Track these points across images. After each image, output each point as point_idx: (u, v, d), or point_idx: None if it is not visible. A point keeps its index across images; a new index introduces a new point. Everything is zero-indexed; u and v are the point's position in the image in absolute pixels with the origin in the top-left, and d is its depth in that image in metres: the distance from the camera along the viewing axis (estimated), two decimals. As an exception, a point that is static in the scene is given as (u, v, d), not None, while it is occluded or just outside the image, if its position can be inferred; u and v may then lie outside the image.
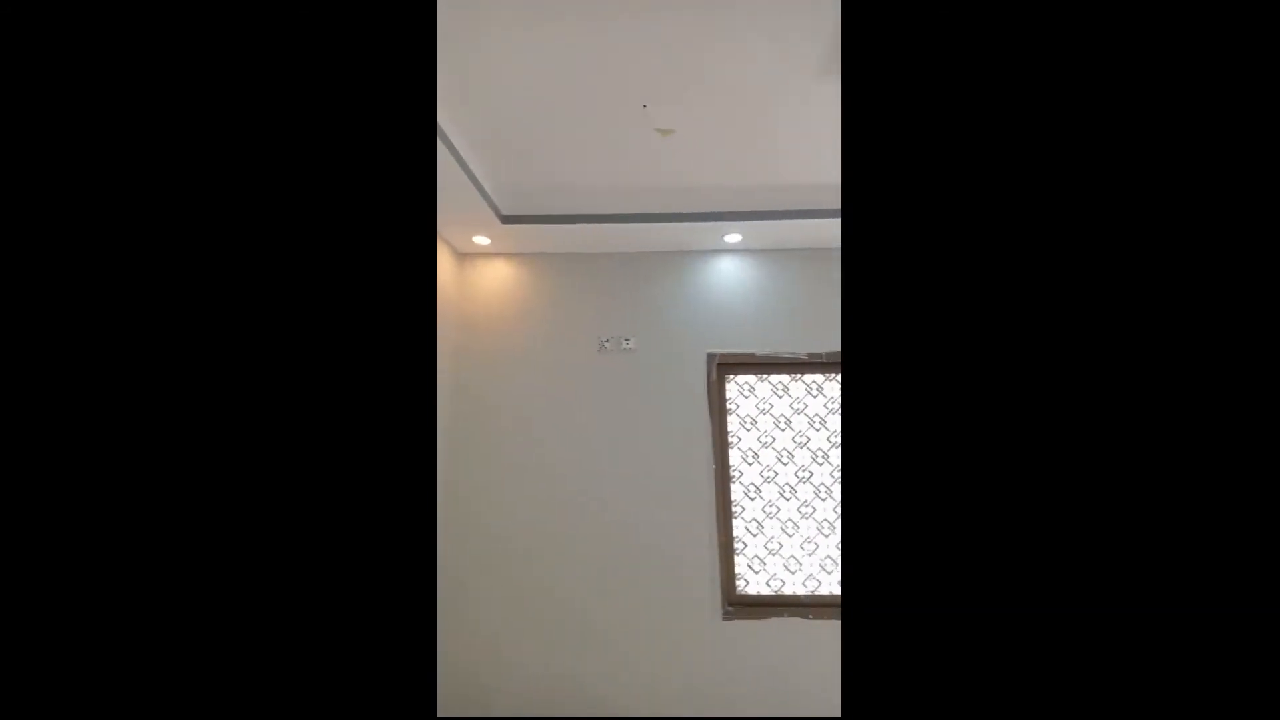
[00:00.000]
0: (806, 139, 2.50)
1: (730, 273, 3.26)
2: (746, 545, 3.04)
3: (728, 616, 2.93)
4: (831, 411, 3.14)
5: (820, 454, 3.10)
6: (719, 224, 3.01)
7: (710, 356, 3.16)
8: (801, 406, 3.15)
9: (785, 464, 3.10)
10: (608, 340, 3.20)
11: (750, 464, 3.11)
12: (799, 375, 3.17)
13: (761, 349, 3.16)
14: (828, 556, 3.01)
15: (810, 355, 3.14)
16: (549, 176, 2.77)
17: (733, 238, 3.13)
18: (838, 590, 2.97)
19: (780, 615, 2.93)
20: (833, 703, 2.84)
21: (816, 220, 2.95)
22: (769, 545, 3.03)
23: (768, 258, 3.26)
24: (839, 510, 3.05)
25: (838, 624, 2.89)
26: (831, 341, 3.15)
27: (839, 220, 2.94)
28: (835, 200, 2.91)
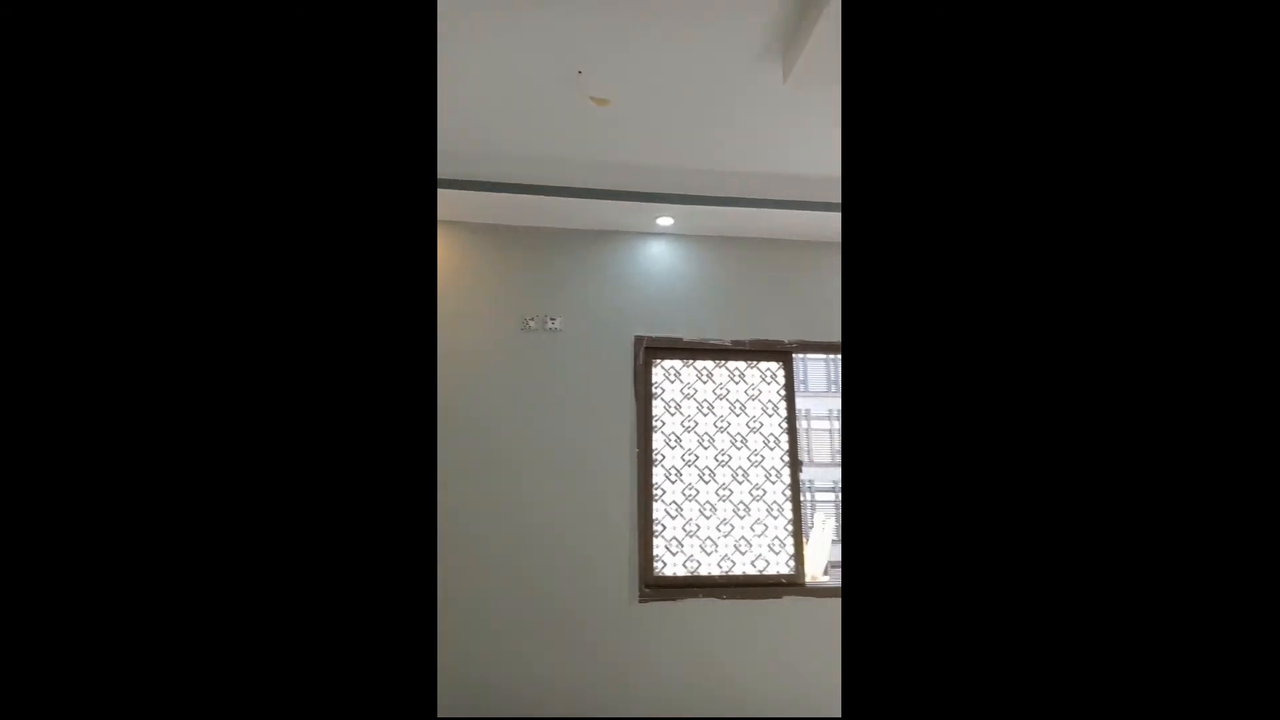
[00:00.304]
0: (744, 124, 2.52)
1: (661, 256, 3.25)
2: (665, 528, 3.07)
3: (644, 598, 2.95)
4: (751, 398, 3.23)
5: (739, 438, 3.18)
6: (651, 205, 2.98)
7: (638, 339, 3.14)
8: (724, 392, 3.22)
9: (706, 448, 3.16)
10: (532, 319, 3.09)
11: (673, 447, 3.13)
12: (723, 361, 3.23)
13: (688, 334, 3.19)
14: (742, 538, 3.10)
15: (734, 342, 3.20)
16: (475, 141, 2.61)
17: (664, 221, 3.12)
18: (751, 570, 3.08)
19: (695, 596, 2.99)
20: (746, 679, 2.94)
21: (750, 209, 3.00)
22: (687, 527, 3.08)
23: (698, 243, 3.28)
24: (754, 493, 3.15)
25: (750, 603, 3.00)
26: (755, 329, 3.23)
27: (773, 210, 3.01)
28: (769, 190, 2.97)
